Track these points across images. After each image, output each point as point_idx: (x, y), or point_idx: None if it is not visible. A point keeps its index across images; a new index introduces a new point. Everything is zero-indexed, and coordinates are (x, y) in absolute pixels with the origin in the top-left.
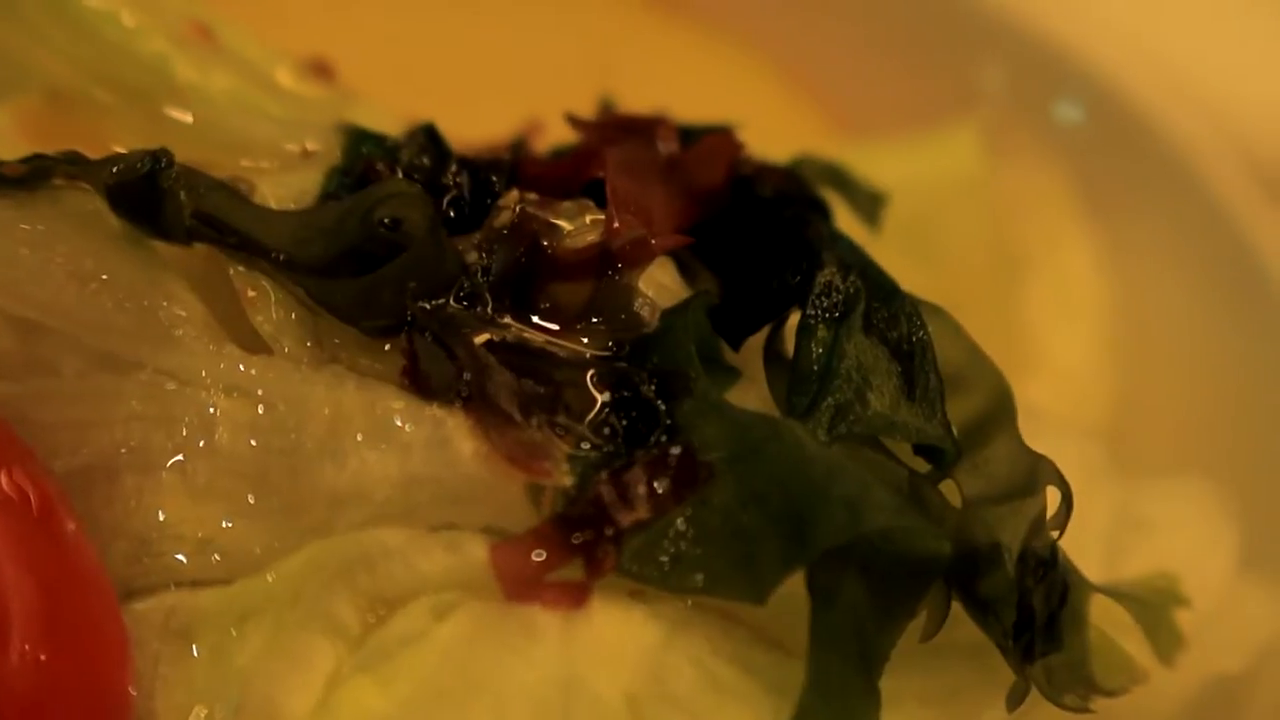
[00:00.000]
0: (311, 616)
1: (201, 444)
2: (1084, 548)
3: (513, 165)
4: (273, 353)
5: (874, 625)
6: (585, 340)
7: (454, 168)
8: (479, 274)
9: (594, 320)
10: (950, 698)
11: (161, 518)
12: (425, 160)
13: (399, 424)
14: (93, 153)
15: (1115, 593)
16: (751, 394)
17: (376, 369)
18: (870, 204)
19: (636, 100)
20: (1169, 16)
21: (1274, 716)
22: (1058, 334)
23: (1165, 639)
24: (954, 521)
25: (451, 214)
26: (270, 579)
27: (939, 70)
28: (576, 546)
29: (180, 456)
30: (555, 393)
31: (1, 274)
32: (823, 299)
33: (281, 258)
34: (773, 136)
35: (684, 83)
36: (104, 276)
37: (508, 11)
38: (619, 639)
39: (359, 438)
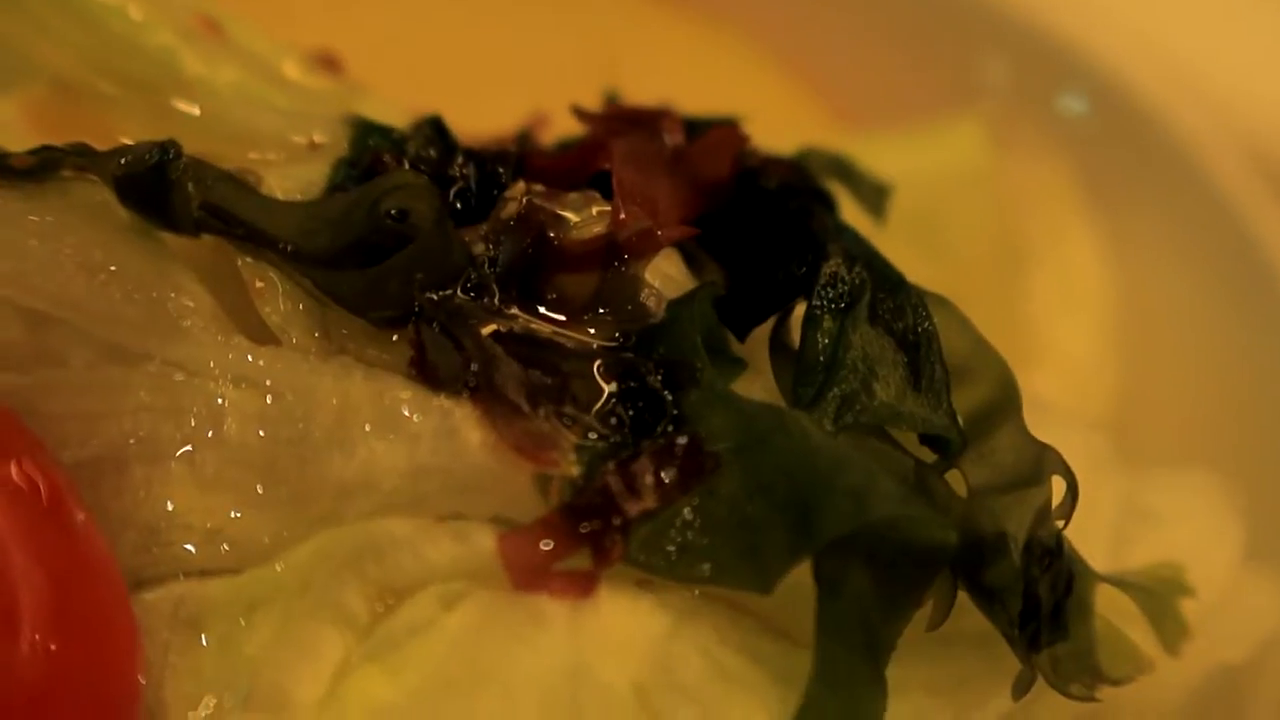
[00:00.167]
0: (320, 606)
1: (210, 434)
2: (1089, 537)
3: (519, 157)
4: (280, 343)
5: (880, 614)
6: (592, 331)
7: (460, 160)
8: (486, 265)
9: (600, 311)
10: (956, 686)
11: (170, 508)
12: (432, 152)
13: (407, 414)
14: (100, 145)
15: (1120, 582)
16: (757, 384)
17: (384, 359)
18: (875, 196)
19: (641, 93)
20: (1172, 9)
21: (1278, 706)
22: (1062, 325)
23: (1170, 629)
24: (960, 511)
25: (458, 205)
26: (279, 569)
27: (943, 63)
28: (584, 536)
29: (189, 447)
30: (562, 383)
31: (10, 265)
32: (828, 290)
33: (289, 249)
34: (777, 129)
35: (688, 75)
36: (112, 268)
37: (514, 5)
38: (626, 628)
39: (367, 428)
